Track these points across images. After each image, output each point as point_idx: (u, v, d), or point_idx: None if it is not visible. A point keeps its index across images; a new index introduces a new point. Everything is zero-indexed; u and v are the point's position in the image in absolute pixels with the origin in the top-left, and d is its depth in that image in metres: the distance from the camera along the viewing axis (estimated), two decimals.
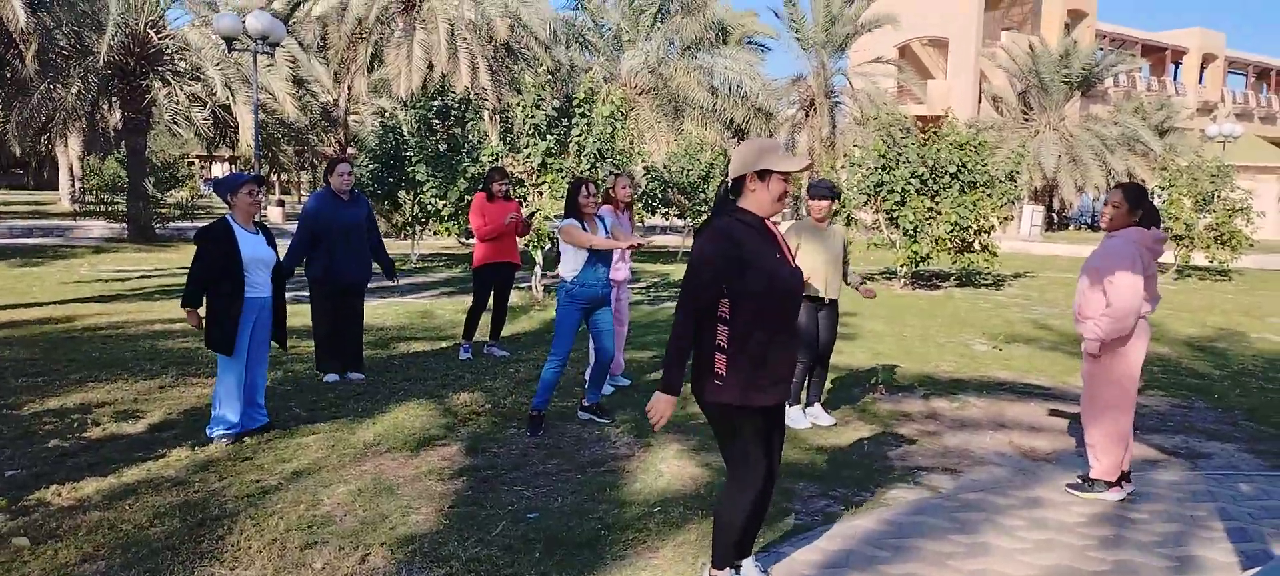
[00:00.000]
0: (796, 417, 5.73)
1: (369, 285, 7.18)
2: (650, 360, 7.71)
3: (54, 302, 10.25)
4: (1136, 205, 4.41)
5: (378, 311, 10.04)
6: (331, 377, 6.67)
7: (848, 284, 5.90)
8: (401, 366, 7.25)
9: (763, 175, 3.08)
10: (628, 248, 5.51)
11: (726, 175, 3.21)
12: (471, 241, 7.63)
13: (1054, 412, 6.34)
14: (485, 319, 8.00)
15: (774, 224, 3.20)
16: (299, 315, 8.24)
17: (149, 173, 21.27)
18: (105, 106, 22.02)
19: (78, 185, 33.64)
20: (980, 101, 38.27)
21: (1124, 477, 4.54)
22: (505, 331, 8.29)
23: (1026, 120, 36.21)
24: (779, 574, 3.57)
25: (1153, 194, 17.13)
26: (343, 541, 3.76)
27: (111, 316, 9.38)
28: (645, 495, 4.42)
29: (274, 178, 38.50)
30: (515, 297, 11.62)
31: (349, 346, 6.78)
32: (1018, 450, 5.41)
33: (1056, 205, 38.14)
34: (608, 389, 6.56)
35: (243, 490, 4.33)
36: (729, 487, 3.19)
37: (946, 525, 4.13)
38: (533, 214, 10.65)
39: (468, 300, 8.87)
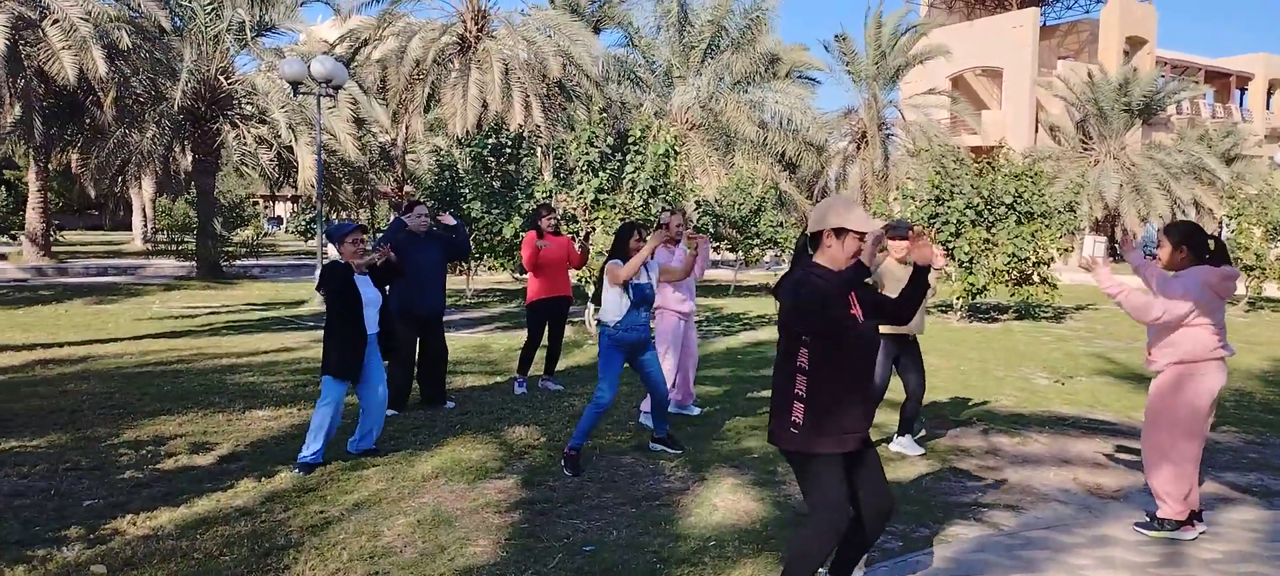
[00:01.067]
0: (910, 446, 5.89)
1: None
2: (704, 396, 7.70)
3: (128, 338, 10.66)
4: (1179, 242, 4.34)
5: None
6: (391, 413, 6.79)
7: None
8: (458, 400, 7.36)
9: (839, 232, 3.18)
10: (664, 242, 5.64)
11: (804, 228, 3.35)
12: (525, 277, 7.79)
13: (1121, 448, 6.17)
14: (539, 354, 8.09)
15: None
16: None
17: (217, 212, 22.04)
18: (177, 149, 22.93)
19: (150, 225, 35.00)
20: (1036, 131, 37.66)
21: (1196, 516, 4.40)
22: (559, 366, 8.37)
23: (1085, 149, 35.49)
24: None
25: (1221, 224, 16.62)
26: (403, 571, 3.83)
27: (181, 351, 9.72)
28: (700, 530, 4.42)
29: (332, 217, 39.55)
30: (569, 332, 11.73)
31: (435, 377, 7.12)
32: (1082, 487, 5.27)
33: (1119, 235, 37.16)
34: (691, 410, 6.66)
35: (307, 521, 4.44)
36: (806, 527, 3.21)
37: (1009, 563, 4.04)
38: (587, 235, 10.77)
39: (522, 335, 8.98)
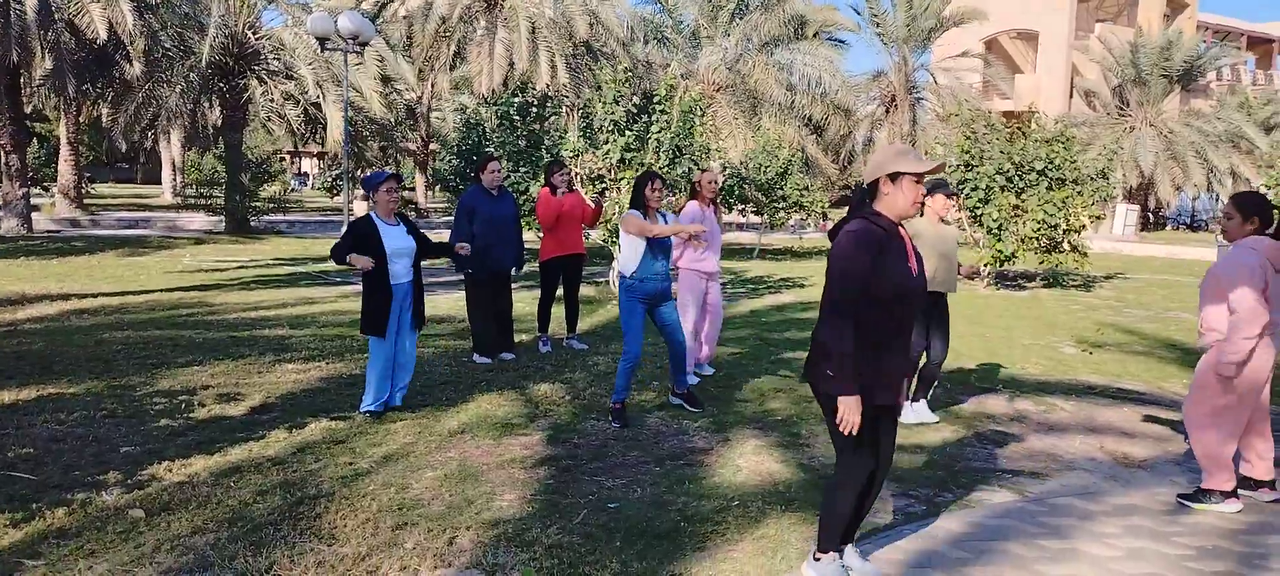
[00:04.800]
0: (924, 412, 5.79)
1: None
2: (728, 357, 7.71)
3: (160, 290, 10.83)
4: (1250, 213, 4.25)
5: (460, 304, 10.29)
6: (483, 361, 7.19)
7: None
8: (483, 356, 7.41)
9: (895, 178, 3.17)
10: (688, 237, 5.60)
11: (859, 180, 3.36)
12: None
13: (1149, 419, 6.12)
14: (559, 312, 8.12)
15: (904, 228, 3.29)
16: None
17: (245, 168, 22.20)
18: (205, 104, 23.07)
19: (179, 179, 35.35)
20: (1071, 96, 36.93)
21: (1261, 484, 4.40)
22: (583, 324, 8.40)
23: (1122, 115, 34.77)
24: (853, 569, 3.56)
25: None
26: (431, 523, 3.90)
27: (212, 304, 9.87)
28: (723, 489, 4.45)
29: (358, 173, 39.76)
30: (592, 291, 11.76)
31: (504, 329, 7.40)
32: (1110, 456, 5.24)
33: (1153, 204, 36.52)
34: (692, 379, 6.62)
35: (337, 472, 4.52)
36: (836, 476, 3.28)
37: (1033, 529, 4.04)
38: (603, 192, 10.74)
39: None
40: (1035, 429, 5.78)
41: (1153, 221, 37.58)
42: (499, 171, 7.34)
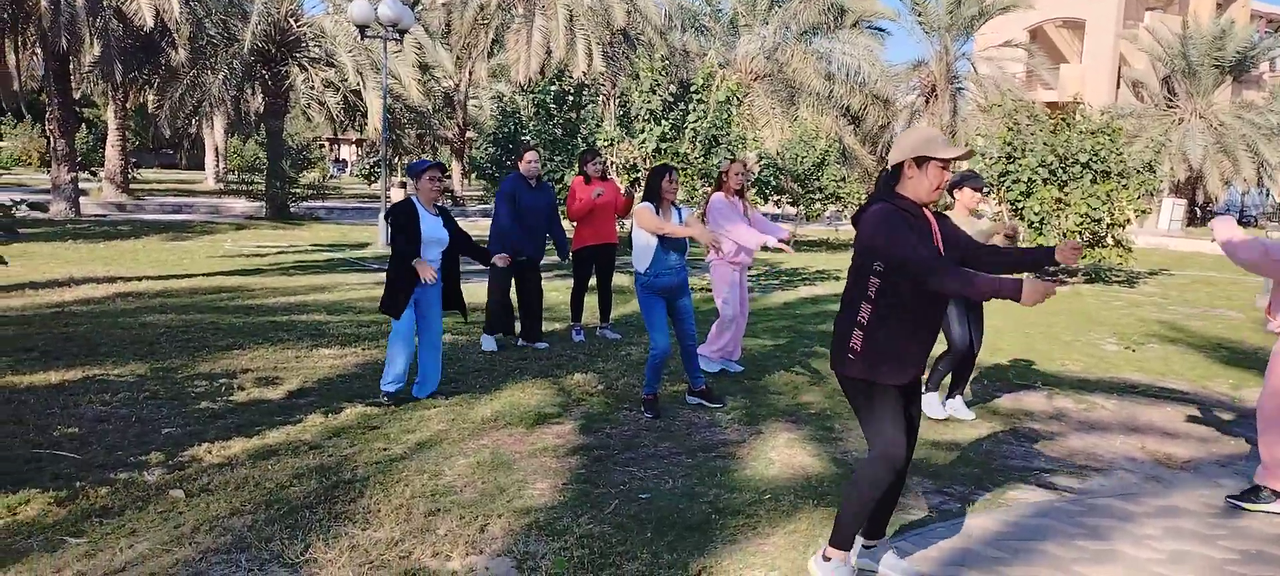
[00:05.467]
0: (934, 405, 5.65)
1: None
2: (761, 350, 7.67)
3: (202, 274, 11.03)
4: None
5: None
6: (489, 345, 7.24)
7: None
8: (517, 346, 7.46)
9: (921, 162, 3.12)
10: (709, 247, 5.53)
11: (885, 165, 3.29)
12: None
13: (1192, 419, 5.98)
14: (592, 302, 8.13)
15: (930, 213, 3.23)
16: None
17: (285, 154, 22.53)
18: (248, 91, 23.44)
19: (222, 165, 35.98)
20: (1118, 87, 36.10)
21: None
22: (616, 313, 8.41)
23: (1170, 107, 33.92)
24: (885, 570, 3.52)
25: None
26: (464, 510, 3.93)
27: (252, 289, 10.03)
28: (755, 482, 4.43)
29: (396, 162, 40.16)
30: (627, 281, 11.76)
31: (533, 318, 7.43)
32: (1151, 456, 5.13)
33: (1201, 199, 35.60)
34: (715, 366, 6.61)
35: (372, 457, 4.57)
36: (867, 460, 3.21)
37: (1072, 529, 3.97)
38: (634, 182, 10.73)
39: None
40: (1075, 427, 5.67)
41: (1200, 216, 36.67)
42: (536, 162, 7.40)
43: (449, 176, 29.26)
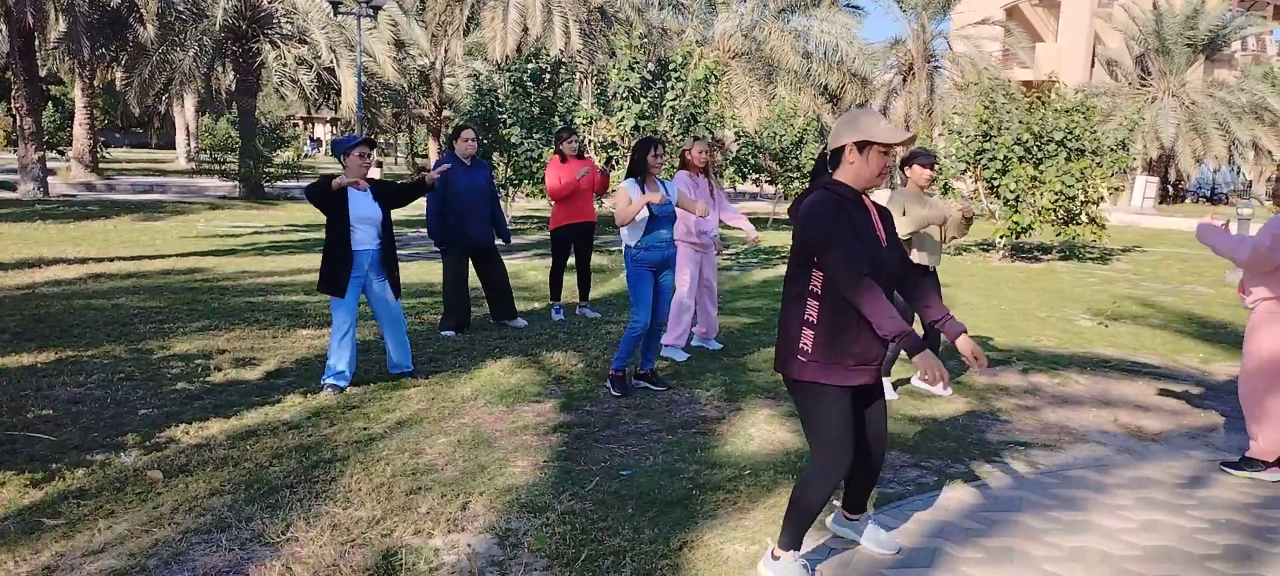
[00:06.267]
0: (888, 391, 5.66)
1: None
2: (740, 327, 7.71)
3: (175, 255, 10.89)
4: None
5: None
6: (448, 334, 7.05)
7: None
8: (496, 325, 7.44)
9: (862, 147, 2.94)
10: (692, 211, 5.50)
11: (825, 144, 3.11)
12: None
13: (1163, 392, 6.09)
14: (571, 281, 8.12)
15: (870, 199, 3.09)
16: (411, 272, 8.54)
17: (258, 133, 22.23)
18: (219, 68, 23.09)
19: (193, 144, 35.47)
20: (1093, 66, 36.40)
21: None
22: (595, 293, 8.41)
23: (1144, 85, 34.26)
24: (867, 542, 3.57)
25: None
26: (445, 488, 3.93)
27: (226, 269, 9.92)
28: (735, 458, 4.46)
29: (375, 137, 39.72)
30: (607, 260, 11.75)
31: (501, 297, 7.33)
32: (1123, 429, 5.22)
33: (1172, 176, 36.06)
34: (712, 344, 6.64)
35: (351, 436, 4.55)
36: (810, 468, 3.03)
37: (1046, 501, 4.04)
38: (609, 161, 10.71)
39: None
40: (1049, 401, 5.75)
41: (1172, 194, 37.15)
42: (473, 142, 7.11)
43: (378, 151, 29.05)
